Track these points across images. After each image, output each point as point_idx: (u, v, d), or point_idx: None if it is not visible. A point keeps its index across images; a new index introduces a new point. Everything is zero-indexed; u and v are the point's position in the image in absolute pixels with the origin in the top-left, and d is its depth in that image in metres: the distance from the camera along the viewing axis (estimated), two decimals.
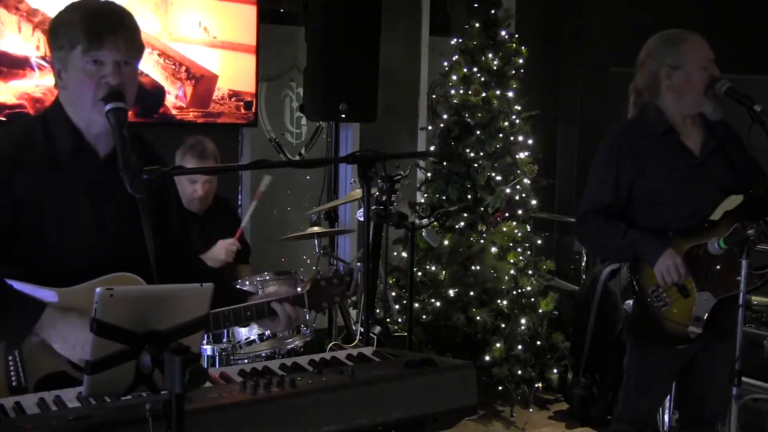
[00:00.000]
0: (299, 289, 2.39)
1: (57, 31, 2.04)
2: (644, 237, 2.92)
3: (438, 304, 4.97)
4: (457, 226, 5.05)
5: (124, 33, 2.02)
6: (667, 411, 4.19)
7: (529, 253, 5.14)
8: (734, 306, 2.78)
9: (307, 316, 3.84)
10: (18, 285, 1.96)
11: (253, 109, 5.16)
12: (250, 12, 5.04)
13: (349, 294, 2.36)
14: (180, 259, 2.29)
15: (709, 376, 3.03)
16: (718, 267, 2.91)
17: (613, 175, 2.98)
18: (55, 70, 2.07)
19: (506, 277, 4.92)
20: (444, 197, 5.13)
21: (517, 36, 5.27)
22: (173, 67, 4.80)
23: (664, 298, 2.93)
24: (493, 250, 4.93)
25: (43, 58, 4.22)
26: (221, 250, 3.81)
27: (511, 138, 5.11)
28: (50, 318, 1.92)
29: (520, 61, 5.18)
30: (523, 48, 5.19)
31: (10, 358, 1.94)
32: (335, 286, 2.34)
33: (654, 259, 2.88)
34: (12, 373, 1.92)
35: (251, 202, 4.17)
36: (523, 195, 5.15)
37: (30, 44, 4.21)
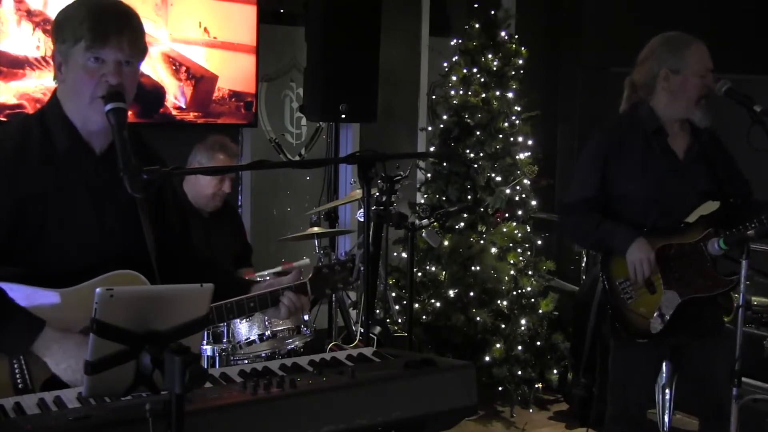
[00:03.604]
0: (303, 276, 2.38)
1: (62, 24, 2.03)
2: (617, 228, 2.98)
3: (438, 304, 4.97)
4: (457, 227, 5.05)
5: (129, 33, 2.02)
6: (667, 411, 4.19)
7: (529, 253, 5.14)
8: (711, 306, 2.88)
9: (306, 316, 3.84)
10: (17, 287, 1.96)
11: (253, 110, 5.16)
12: (250, 12, 5.04)
13: (351, 280, 2.36)
14: (181, 254, 2.28)
15: (707, 374, 3.05)
16: (688, 268, 2.95)
17: (598, 172, 3.03)
18: (55, 63, 2.06)
19: (506, 278, 4.92)
20: (444, 198, 5.13)
21: (517, 36, 5.27)
22: (173, 67, 4.80)
23: (630, 291, 3.00)
24: (493, 250, 4.93)
25: (43, 58, 4.22)
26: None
27: (511, 139, 5.11)
28: (47, 338, 1.92)
29: (520, 61, 5.18)
30: (523, 48, 5.19)
31: (14, 361, 1.94)
32: (337, 272, 2.34)
33: (625, 249, 2.94)
34: (18, 376, 1.93)
35: (278, 267, 4.10)
36: (523, 195, 5.15)
37: (30, 44, 4.22)
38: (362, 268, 4.07)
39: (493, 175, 5.06)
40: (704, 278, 2.90)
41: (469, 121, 5.08)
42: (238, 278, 2.43)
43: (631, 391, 3.14)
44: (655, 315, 2.95)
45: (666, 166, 2.99)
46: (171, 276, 2.15)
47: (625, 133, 3.05)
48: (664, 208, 2.98)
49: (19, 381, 1.92)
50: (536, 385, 4.95)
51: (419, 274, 5.10)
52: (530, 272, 5.06)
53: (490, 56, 5.12)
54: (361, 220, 4.71)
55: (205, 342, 3.47)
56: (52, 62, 2.10)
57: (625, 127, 3.06)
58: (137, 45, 2.05)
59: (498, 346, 4.80)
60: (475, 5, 5.29)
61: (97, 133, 2.08)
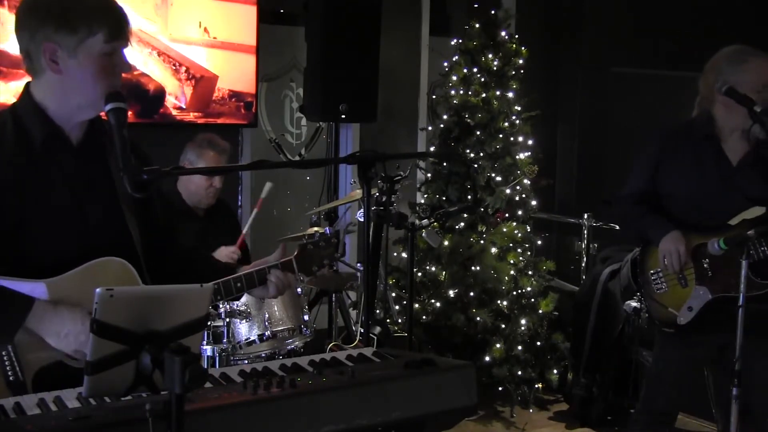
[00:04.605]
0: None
1: (66, 14, 1.95)
2: (656, 221, 3.12)
3: (438, 304, 4.97)
4: (457, 227, 5.05)
5: (129, 24, 2.03)
6: None
7: (529, 253, 5.14)
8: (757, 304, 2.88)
9: (306, 317, 3.84)
10: (3, 281, 1.94)
11: (253, 110, 5.16)
12: (250, 12, 5.04)
13: (337, 256, 2.38)
14: (167, 246, 2.28)
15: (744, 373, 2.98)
16: (722, 267, 3.02)
17: (650, 169, 3.18)
18: (45, 53, 1.98)
19: (506, 278, 4.92)
20: (444, 198, 5.13)
21: (517, 36, 5.27)
22: (173, 67, 4.80)
23: (662, 282, 3.13)
24: (493, 250, 4.93)
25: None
26: (222, 258, 3.78)
27: (511, 138, 5.11)
28: (40, 312, 1.90)
29: (520, 61, 5.18)
30: (523, 48, 5.19)
31: (3, 353, 1.91)
32: (323, 249, 2.35)
33: (658, 240, 3.08)
34: (8, 368, 1.90)
35: (252, 210, 4.15)
36: (523, 195, 5.15)
37: None
38: (360, 268, 4.06)
39: (493, 175, 5.06)
40: (737, 279, 2.89)
41: (469, 120, 5.08)
42: (223, 264, 2.42)
43: (661, 386, 3.22)
44: (683, 308, 3.06)
45: (715, 170, 3.06)
46: (158, 268, 2.15)
47: (681, 135, 3.15)
48: (708, 210, 3.05)
49: (9, 373, 1.90)
50: (536, 385, 4.95)
51: (419, 274, 5.10)
52: (530, 272, 5.06)
53: (490, 56, 5.12)
54: (361, 220, 4.70)
55: (205, 342, 3.47)
56: (34, 52, 2.01)
57: (683, 130, 3.16)
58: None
59: (498, 346, 4.80)
60: (475, 5, 5.29)
61: (75, 124, 2.06)
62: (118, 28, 1.98)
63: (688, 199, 3.09)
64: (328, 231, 2.38)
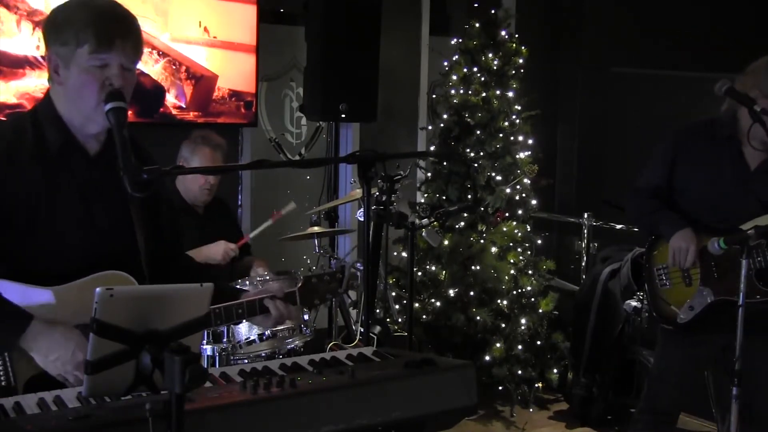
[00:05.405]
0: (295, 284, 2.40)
1: (61, 27, 2.00)
2: (669, 216, 3.11)
3: (438, 304, 4.97)
4: (457, 226, 5.05)
5: (132, 38, 2.02)
6: None
7: (529, 253, 5.15)
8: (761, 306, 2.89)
9: (306, 316, 3.84)
10: (11, 285, 1.95)
11: (253, 109, 5.16)
12: (250, 12, 5.04)
13: (340, 291, 2.39)
14: (172, 257, 2.28)
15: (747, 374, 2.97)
16: (728, 271, 3.00)
17: (666, 166, 3.17)
18: (51, 64, 2.03)
19: (506, 277, 4.92)
20: (444, 197, 5.13)
21: (517, 36, 5.27)
22: (173, 67, 4.80)
23: (667, 279, 3.13)
24: (493, 250, 4.94)
25: (43, 57, 4.22)
26: (219, 251, 3.83)
27: (511, 138, 5.11)
28: (35, 332, 1.91)
29: (520, 61, 5.18)
30: (523, 48, 5.19)
31: None
32: (326, 283, 2.37)
33: (670, 235, 3.06)
34: (1, 373, 1.92)
35: (267, 221, 4.16)
36: (523, 195, 5.15)
37: (30, 44, 4.22)
38: (360, 267, 4.05)
39: (493, 174, 5.06)
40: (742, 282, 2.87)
41: (469, 120, 5.08)
42: (226, 286, 2.43)
43: (662, 385, 3.22)
44: (684, 306, 3.06)
45: (732, 172, 3.05)
46: (161, 279, 2.15)
47: (699, 133, 3.14)
48: (721, 212, 3.04)
49: (2, 379, 1.91)
50: (536, 385, 4.95)
51: (419, 273, 5.10)
52: (530, 272, 5.06)
53: (490, 55, 5.12)
54: (361, 219, 4.70)
55: (205, 342, 3.47)
56: (46, 62, 2.07)
57: (702, 128, 3.14)
58: (138, 49, 2.06)
59: (498, 345, 4.80)
60: (475, 5, 5.29)
61: (92, 135, 2.08)
62: (105, 40, 1.97)
63: (702, 198, 3.08)
64: (332, 266, 2.40)
